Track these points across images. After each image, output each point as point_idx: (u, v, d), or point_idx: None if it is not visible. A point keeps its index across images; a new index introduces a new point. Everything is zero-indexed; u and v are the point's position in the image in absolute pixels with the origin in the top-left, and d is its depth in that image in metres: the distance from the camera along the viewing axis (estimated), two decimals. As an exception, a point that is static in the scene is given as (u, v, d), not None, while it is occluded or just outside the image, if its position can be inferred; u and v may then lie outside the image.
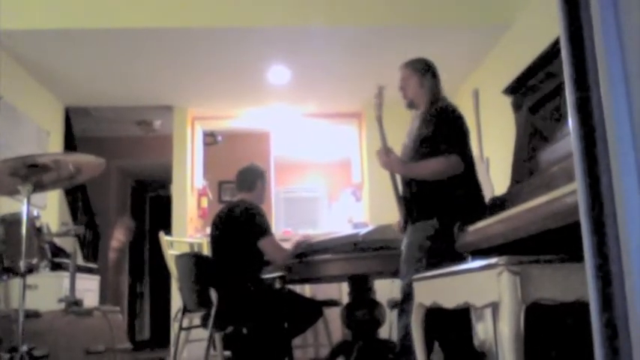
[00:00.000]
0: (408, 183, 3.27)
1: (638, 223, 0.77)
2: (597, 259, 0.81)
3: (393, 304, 4.15)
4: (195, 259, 4.13)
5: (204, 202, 6.86)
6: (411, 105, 3.36)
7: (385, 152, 3.28)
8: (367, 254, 3.74)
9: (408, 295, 3.00)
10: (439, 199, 3.09)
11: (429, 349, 2.65)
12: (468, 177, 3.14)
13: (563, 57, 0.87)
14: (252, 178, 4.14)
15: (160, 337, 7.85)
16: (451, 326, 2.99)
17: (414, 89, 3.32)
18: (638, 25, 0.79)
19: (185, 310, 4.12)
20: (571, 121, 0.87)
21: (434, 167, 3.08)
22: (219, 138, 7.38)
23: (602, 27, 0.81)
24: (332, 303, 4.68)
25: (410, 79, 3.33)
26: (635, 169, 0.78)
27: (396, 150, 3.32)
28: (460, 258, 2.75)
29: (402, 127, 3.43)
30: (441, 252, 2.89)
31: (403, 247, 3.18)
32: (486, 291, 1.84)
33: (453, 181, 3.07)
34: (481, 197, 3.18)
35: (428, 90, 3.28)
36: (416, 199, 3.20)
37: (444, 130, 3.11)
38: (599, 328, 0.81)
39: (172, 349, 4.55)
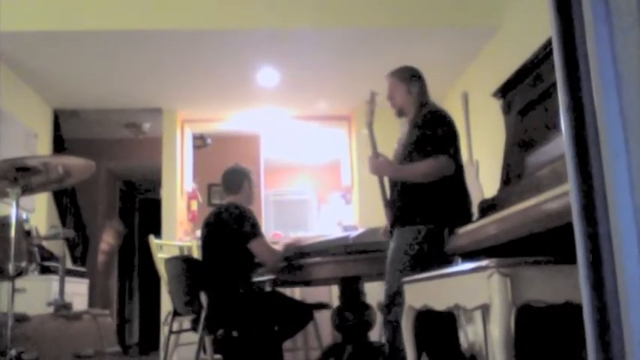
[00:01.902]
0: (395, 187, 3.28)
1: (630, 224, 0.77)
2: (590, 260, 0.81)
3: (383, 307, 4.15)
4: (185, 262, 4.12)
5: (194, 205, 6.83)
6: (400, 113, 3.39)
7: (375, 156, 3.30)
8: (358, 257, 3.74)
9: (393, 299, 3.01)
10: (426, 203, 3.10)
11: (418, 354, 2.65)
12: (455, 181, 3.15)
13: (555, 59, 0.88)
14: (238, 179, 4.12)
15: (150, 340, 7.83)
16: (437, 331, 3.00)
17: (401, 98, 3.35)
18: (630, 26, 0.79)
19: (175, 314, 4.11)
20: (563, 123, 0.87)
21: (423, 169, 3.09)
22: (209, 141, 7.36)
23: (594, 27, 0.81)
24: (322, 306, 4.68)
25: (397, 89, 3.36)
26: (627, 171, 0.78)
27: (386, 156, 3.34)
28: (447, 262, 2.76)
29: (393, 133, 3.45)
30: (428, 256, 2.91)
31: (390, 249, 3.18)
32: (477, 293, 1.85)
33: (441, 185, 3.08)
34: (468, 202, 3.19)
35: (415, 96, 3.31)
36: (403, 203, 3.20)
37: (432, 133, 3.13)
38: (591, 330, 0.81)
39: (162, 352, 4.54)
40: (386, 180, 3.38)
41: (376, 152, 3.34)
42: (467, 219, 2.98)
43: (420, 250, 3.01)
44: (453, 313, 3.00)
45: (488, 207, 2.91)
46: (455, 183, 3.15)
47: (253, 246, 3.84)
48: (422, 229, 3.03)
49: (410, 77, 3.35)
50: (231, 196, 4.09)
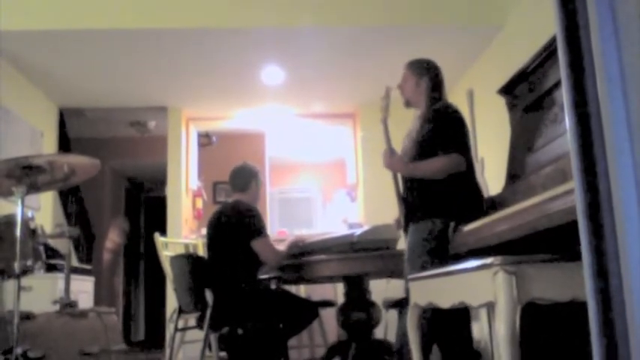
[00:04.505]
0: (409, 184, 3.28)
1: (635, 222, 0.77)
2: (595, 259, 0.81)
3: (389, 305, 4.15)
4: (190, 260, 4.12)
5: (199, 203, 6.85)
6: (407, 104, 3.40)
7: (389, 153, 3.30)
8: (363, 255, 3.73)
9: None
10: (440, 199, 3.09)
11: (428, 351, 2.65)
12: (467, 177, 3.14)
13: (559, 57, 0.88)
14: (245, 178, 4.12)
15: (155, 338, 7.84)
16: (449, 326, 2.99)
17: (410, 89, 3.35)
18: (635, 24, 0.79)
19: (180, 311, 4.12)
20: (568, 121, 0.87)
21: (436, 165, 3.09)
22: (214, 139, 7.37)
23: (598, 25, 0.81)
24: (327, 303, 4.68)
25: (408, 79, 3.37)
26: (633, 168, 0.78)
27: (398, 150, 3.34)
28: (462, 258, 2.75)
29: (403, 127, 3.44)
30: (444, 252, 2.90)
31: (406, 248, 3.18)
32: (482, 291, 1.84)
33: (454, 181, 3.07)
34: (480, 197, 3.19)
35: (424, 91, 3.30)
36: (417, 199, 3.20)
37: (443, 129, 3.13)
38: (596, 328, 0.81)
39: (168, 350, 4.55)
40: (399, 175, 3.38)
41: (391, 148, 3.34)
42: (480, 214, 2.98)
43: (436, 245, 3.00)
44: (466, 308, 3.00)
45: (494, 204, 2.91)
46: (467, 179, 3.14)
47: (256, 244, 3.83)
48: (437, 223, 3.02)
49: (421, 71, 3.34)
50: (237, 193, 4.09)
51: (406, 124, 3.45)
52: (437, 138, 3.11)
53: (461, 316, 2.96)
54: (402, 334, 3.03)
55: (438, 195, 3.10)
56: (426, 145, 3.14)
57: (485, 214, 2.96)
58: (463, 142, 3.16)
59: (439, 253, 2.94)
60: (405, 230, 3.24)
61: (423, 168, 3.16)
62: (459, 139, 3.14)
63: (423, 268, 2.84)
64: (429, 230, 3.05)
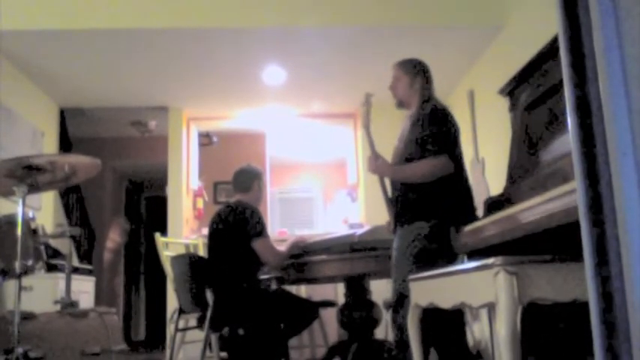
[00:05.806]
0: (397, 186, 3.26)
1: (637, 222, 0.77)
2: (597, 259, 0.81)
3: (389, 305, 4.15)
4: (190, 260, 4.12)
5: (200, 203, 6.85)
6: (400, 105, 3.35)
7: (374, 157, 3.28)
8: (363, 255, 3.73)
9: (400, 297, 3.00)
10: (428, 201, 3.08)
11: (426, 352, 2.65)
12: (457, 178, 3.12)
13: (561, 56, 0.87)
14: (248, 179, 4.12)
15: (156, 338, 7.85)
16: (445, 328, 2.99)
17: (403, 90, 3.31)
18: (637, 23, 0.79)
19: (181, 312, 4.12)
20: (570, 121, 0.87)
21: (422, 169, 3.06)
22: (215, 139, 7.37)
23: (600, 26, 0.81)
24: (328, 304, 4.68)
25: (400, 80, 3.32)
26: (634, 169, 0.78)
27: (387, 153, 3.32)
28: (451, 259, 2.75)
29: (394, 129, 3.43)
30: (432, 254, 2.89)
31: (394, 249, 3.17)
32: (483, 291, 1.84)
33: (442, 182, 3.06)
34: (470, 199, 3.17)
35: (418, 91, 3.26)
36: (405, 201, 3.18)
37: (432, 130, 3.09)
38: (598, 328, 0.81)
39: (168, 350, 4.55)
40: (387, 178, 3.37)
41: (375, 153, 3.31)
42: (470, 216, 2.96)
43: (423, 248, 2.99)
44: (460, 311, 3.00)
45: (495, 204, 2.91)
46: (456, 180, 3.12)
47: (257, 245, 3.83)
48: (424, 227, 3.02)
49: (415, 71, 3.31)
50: (239, 194, 4.09)
51: (396, 125, 3.43)
52: (426, 140, 3.08)
53: (456, 317, 2.96)
54: (400, 337, 3.03)
55: (425, 197, 3.08)
56: (415, 147, 3.12)
57: (474, 215, 2.95)
58: (452, 144, 3.13)
59: (427, 256, 2.93)
60: (394, 233, 3.23)
61: (409, 171, 3.14)
62: (448, 140, 3.11)
63: (411, 271, 2.82)
64: (417, 233, 3.04)
